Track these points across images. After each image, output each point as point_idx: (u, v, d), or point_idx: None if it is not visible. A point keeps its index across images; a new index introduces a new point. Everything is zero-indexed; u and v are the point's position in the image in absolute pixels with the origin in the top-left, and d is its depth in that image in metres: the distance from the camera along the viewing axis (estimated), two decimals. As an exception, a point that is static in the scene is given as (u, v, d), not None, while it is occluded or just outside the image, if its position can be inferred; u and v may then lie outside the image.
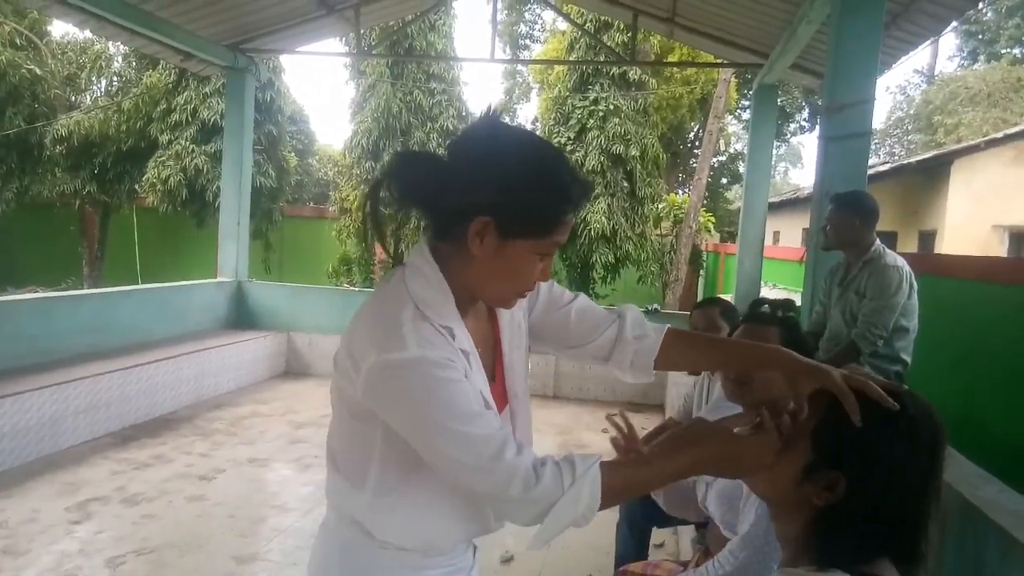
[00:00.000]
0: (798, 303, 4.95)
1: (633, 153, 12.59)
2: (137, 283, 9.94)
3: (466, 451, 1.12)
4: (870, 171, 13.12)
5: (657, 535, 3.81)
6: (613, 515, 3.04)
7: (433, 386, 1.12)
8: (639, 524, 3.04)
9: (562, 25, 16.32)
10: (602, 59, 12.32)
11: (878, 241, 3.68)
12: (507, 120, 1.26)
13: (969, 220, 11.45)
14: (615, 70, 12.69)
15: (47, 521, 3.87)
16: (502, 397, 1.39)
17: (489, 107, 1.23)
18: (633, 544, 3.05)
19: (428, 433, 1.13)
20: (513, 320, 1.42)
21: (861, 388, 1.08)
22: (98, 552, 3.56)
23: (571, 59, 13.10)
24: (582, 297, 1.49)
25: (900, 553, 1.03)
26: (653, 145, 13.11)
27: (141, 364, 5.85)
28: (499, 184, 1.15)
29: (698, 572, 1.82)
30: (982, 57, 26.54)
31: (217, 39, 7.61)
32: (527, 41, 26.50)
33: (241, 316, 8.07)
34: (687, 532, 3.65)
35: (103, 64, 14.26)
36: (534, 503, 1.12)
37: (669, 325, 1.48)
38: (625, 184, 12.78)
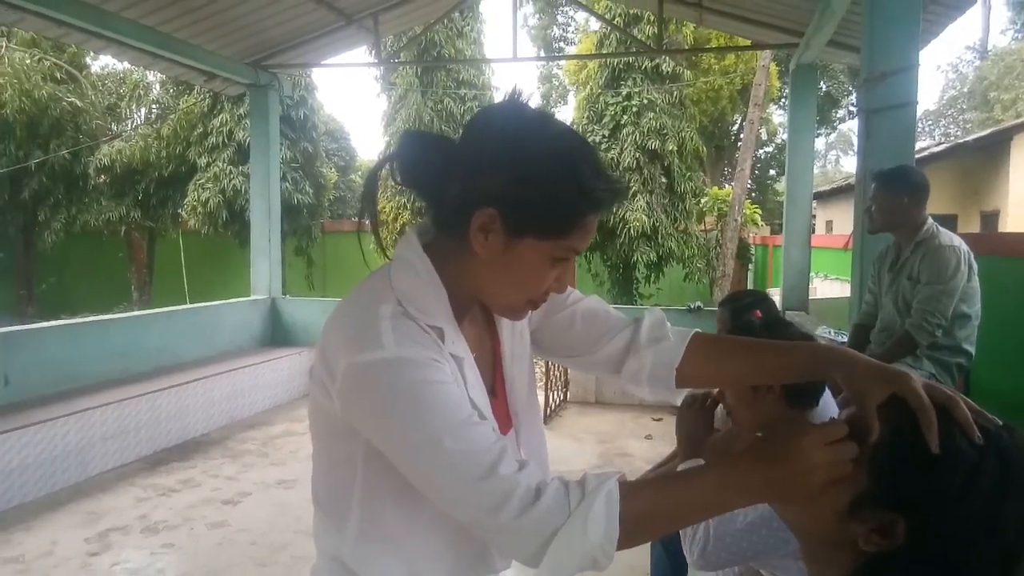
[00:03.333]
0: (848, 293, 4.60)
1: (670, 147, 12.25)
2: (186, 304, 10.01)
3: (452, 467, 0.92)
4: (925, 153, 12.66)
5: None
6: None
7: (413, 390, 0.94)
8: (674, 541, 2.77)
9: (595, 25, 16.05)
10: (630, 51, 12.02)
11: (931, 220, 3.32)
12: (533, 104, 1.05)
13: (1034, 197, 10.80)
14: (647, 63, 12.38)
15: (64, 554, 3.76)
16: (505, 416, 1.17)
17: (514, 88, 1.03)
18: (669, 564, 2.78)
19: (408, 446, 0.95)
20: (515, 328, 1.21)
21: (945, 404, 0.81)
22: (112, 586, 3.43)
23: (598, 53, 12.82)
24: (592, 298, 1.27)
25: None
26: (692, 138, 12.75)
27: (171, 387, 5.77)
28: (511, 171, 0.97)
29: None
30: (1038, 27, 25.37)
31: (238, 57, 7.57)
32: (561, 44, 26.25)
33: (276, 333, 7.99)
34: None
35: (142, 93, 14.50)
36: (532, 530, 0.89)
37: (697, 329, 1.21)
38: (663, 180, 12.44)
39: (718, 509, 0.93)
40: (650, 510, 0.92)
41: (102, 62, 15.20)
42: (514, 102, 1.04)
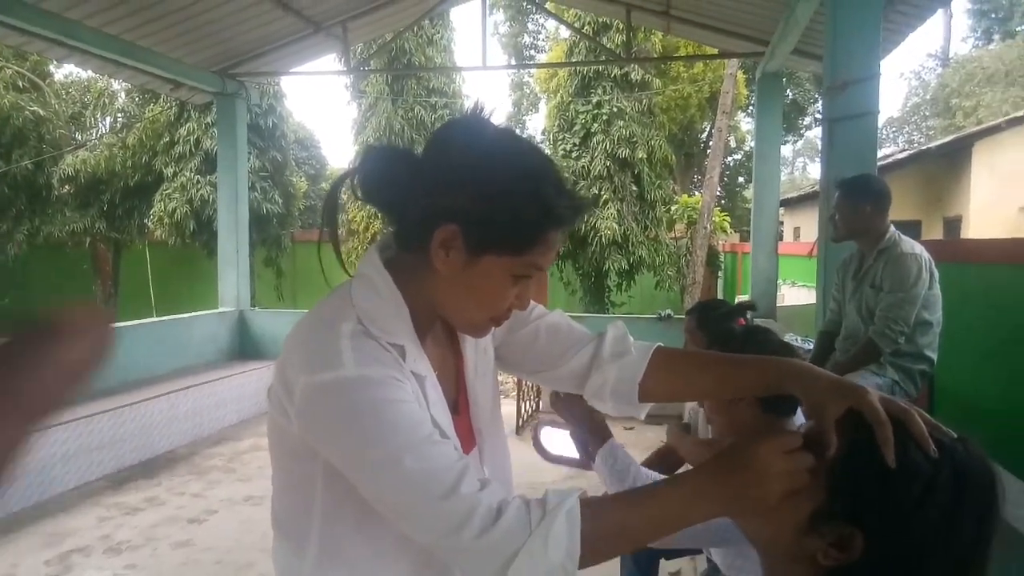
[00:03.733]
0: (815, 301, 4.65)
1: (640, 155, 12.33)
2: (153, 317, 9.85)
3: (413, 486, 0.91)
4: (889, 160, 12.85)
5: (674, 564, 3.53)
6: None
7: (373, 408, 0.93)
8: (644, 555, 2.76)
9: (565, 33, 16.13)
10: (600, 60, 12.09)
11: (893, 228, 3.37)
12: (495, 119, 1.05)
13: (995, 203, 11.04)
14: (616, 71, 12.46)
15: (23, 577, 3.67)
16: (468, 433, 1.15)
17: (476, 103, 1.02)
18: (639, 576, 2.77)
19: (368, 465, 0.93)
20: (478, 345, 1.20)
21: (901, 418, 0.81)
22: (72, 609, 3.35)
23: (567, 62, 12.88)
24: (555, 313, 1.26)
25: None
26: (661, 146, 12.84)
27: (136, 402, 5.66)
28: (472, 187, 0.97)
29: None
30: (996, 36, 26.02)
31: (205, 65, 7.48)
32: (531, 52, 26.37)
33: (244, 346, 7.89)
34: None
35: (107, 101, 14.28)
36: (493, 550, 0.88)
37: (659, 343, 1.21)
38: (634, 187, 12.52)
39: (680, 523, 0.92)
40: (612, 527, 0.91)
41: (66, 70, 14.98)
42: (477, 117, 1.03)
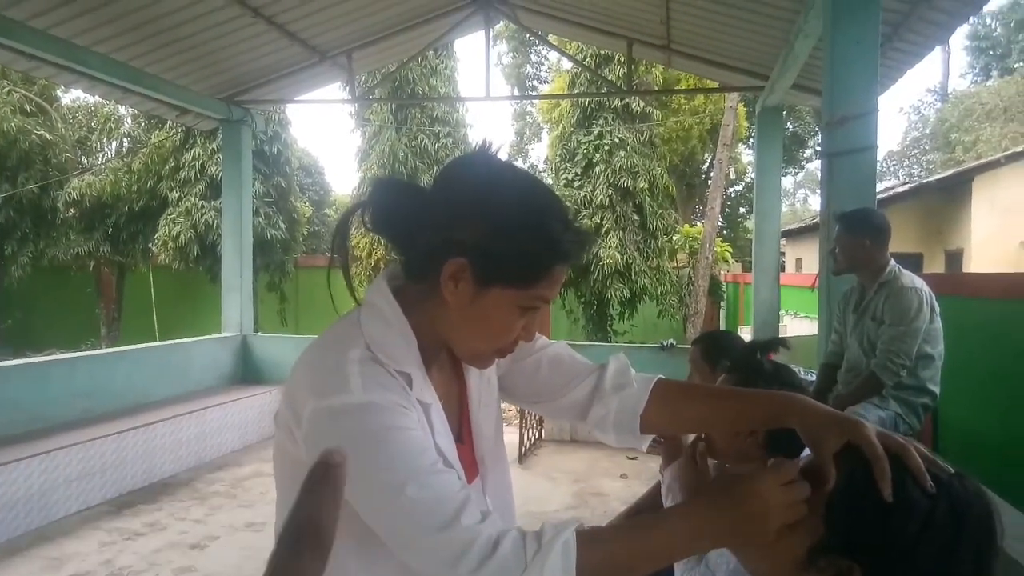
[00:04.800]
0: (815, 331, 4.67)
1: (642, 185, 12.42)
2: (155, 341, 9.86)
3: (414, 515, 0.91)
4: (889, 193, 12.91)
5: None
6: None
7: (378, 436, 0.94)
8: None
9: (567, 65, 16.32)
10: (601, 92, 12.22)
11: (893, 261, 3.40)
12: (503, 155, 1.08)
13: (995, 237, 11.10)
14: (617, 103, 12.60)
15: (22, 602, 3.65)
16: (471, 462, 1.17)
17: (485, 140, 1.05)
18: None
19: (371, 492, 0.94)
20: (483, 375, 1.21)
21: (899, 453, 0.82)
22: (71, 635, 3.33)
23: (569, 93, 13.03)
24: (558, 344, 1.28)
25: None
26: (662, 177, 12.94)
27: (138, 427, 5.65)
28: (481, 222, 0.99)
29: None
30: (995, 72, 26.27)
31: (211, 92, 7.57)
32: (534, 82, 26.65)
33: (247, 371, 7.89)
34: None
35: (113, 126, 14.41)
36: None
37: (660, 376, 1.23)
38: (636, 217, 12.59)
39: (677, 555, 0.94)
40: (608, 559, 0.91)
41: (73, 95, 15.13)
42: (485, 153, 1.05)
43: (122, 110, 14.52)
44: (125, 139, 14.86)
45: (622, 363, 1.24)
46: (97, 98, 13.29)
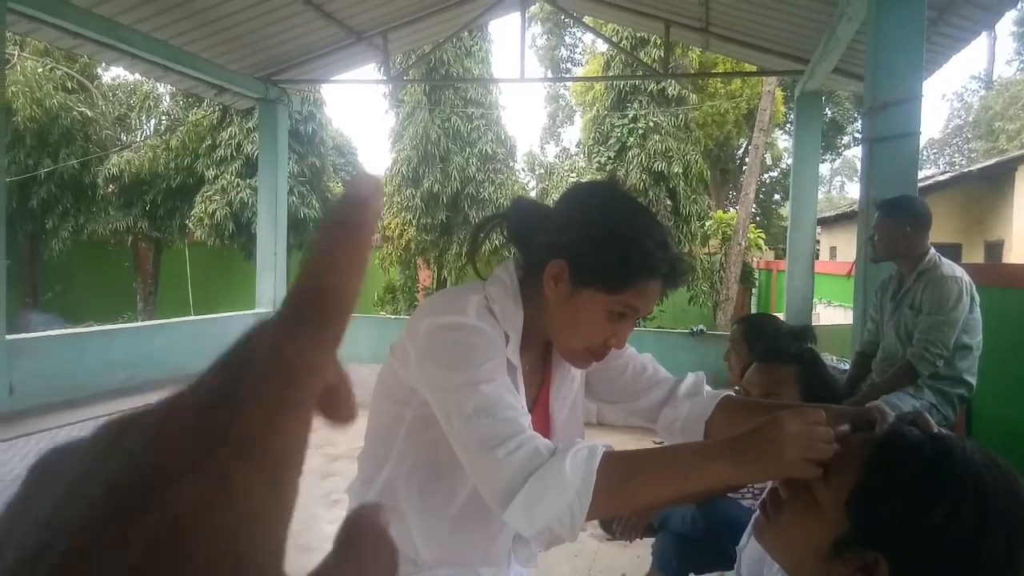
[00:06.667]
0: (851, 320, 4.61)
1: (676, 170, 12.31)
2: (190, 316, 10.07)
3: (479, 403, 1.05)
4: (930, 181, 12.67)
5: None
6: (649, 558, 2.78)
7: (475, 347, 1.10)
8: (674, 569, 2.76)
9: (602, 47, 16.18)
10: (636, 74, 12.11)
11: (933, 250, 3.34)
12: (622, 189, 1.28)
13: (1038, 228, 10.82)
14: (653, 86, 12.48)
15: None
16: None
17: (614, 175, 1.18)
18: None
19: (452, 384, 1.08)
20: (566, 376, 1.36)
21: (921, 422, 0.88)
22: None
23: (604, 76, 12.93)
24: (645, 355, 1.45)
25: None
26: (697, 161, 12.81)
27: (173, 399, 5.77)
28: (583, 230, 1.15)
29: None
30: (1044, 59, 25.52)
31: (248, 71, 7.64)
32: (568, 64, 26.46)
33: (279, 347, 7.99)
34: None
35: (151, 104, 14.63)
36: (518, 466, 0.99)
37: (730, 392, 1.39)
38: (668, 202, 12.50)
39: (694, 477, 0.96)
40: (628, 470, 1.00)
41: (113, 73, 15.36)
42: (609, 183, 1.27)
43: (160, 88, 14.74)
44: (163, 117, 15.08)
45: (699, 377, 1.40)
46: (137, 76, 13.52)
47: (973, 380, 3.28)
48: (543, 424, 1.30)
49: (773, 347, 1.81)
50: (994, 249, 11.73)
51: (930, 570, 0.77)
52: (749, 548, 1.69)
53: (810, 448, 0.86)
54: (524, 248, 1.25)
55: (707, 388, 1.38)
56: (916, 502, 0.78)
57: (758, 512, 0.95)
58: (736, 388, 1.78)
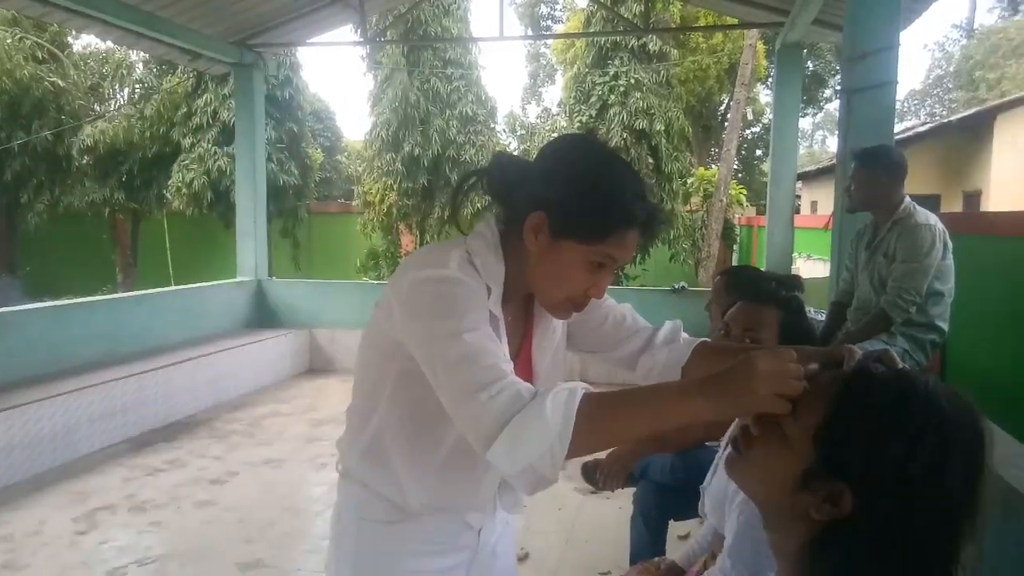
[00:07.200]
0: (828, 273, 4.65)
1: (658, 128, 12.24)
2: (171, 286, 10.00)
3: (463, 351, 1.08)
4: (908, 132, 12.68)
5: (683, 526, 3.58)
6: (631, 508, 2.84)
7: (457, 298, 1.13)
8: (654, 517, 2.82)
9: (582, 2, 15.98)
10: (617, 30, 11.96)
11: (908, 199, 3.37)
12: (600, 141, 1.33)
13: (1016, 177, 10.89)
14: (634, 42, 12.34)
15: (52, 533, 3.79)
16: None
17: (592, 131, 1.19)
18: (649, 538, 2.83)
19: (437, 334, 1.11)
20: (547, 327, 1.39)
21: (887, 359, 0.89)
22: (99, 564, 3.46)
23: (584, 32, 12.77)
24: (624, 305, 1.47)
25: None
26: (678, 118, 12.73)
27: (157, 368, 5.77)
28: (562, 183, 1.18)
29: None
30: (1023, 7, 25.42)
31: (223, 36, 7.49)
32: (548, 22, 26.12)
33: (263, 315, 7.98)
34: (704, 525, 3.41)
35: (124, 72, 14.34)
36: (500, 409, 1.01)
37: (706, 339, 1.43)
38: (650, 160, 12.43)
39: (671, 412, 1.00)
40: (608, 407, 1.02)
41: (84, 41, 14.99)
42: (587, 136, 1.35)
43: (133, 56, 14.43)
44: (137, 85, 14.80)
45: (676, 325, 1.43)
46: (108, 44, 13.21)
47: (945, 326, 3.34)
48: (526, 374, 1.31)
49: (763, 289, 1.85)
50: (972, 199, 11.81)
51: (892, 500, 0.79)
52: (712, 487, 1.74)
53: (781, 384, 0.89)
54: (504, 202, 1.28)
55: (684, 335, 1.41)
56: (880, 436, 0.80)
57: (729, 448, 0.98)
58: (720, 328, 1.81)
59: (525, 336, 1.37)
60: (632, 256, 1.23)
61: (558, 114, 18.55)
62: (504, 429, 0.99)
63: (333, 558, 1.40)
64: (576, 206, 1.16)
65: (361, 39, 8.57)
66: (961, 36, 27.56)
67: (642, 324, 1.44)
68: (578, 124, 12.62)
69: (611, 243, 1.17)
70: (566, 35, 15.38)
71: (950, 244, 3.30)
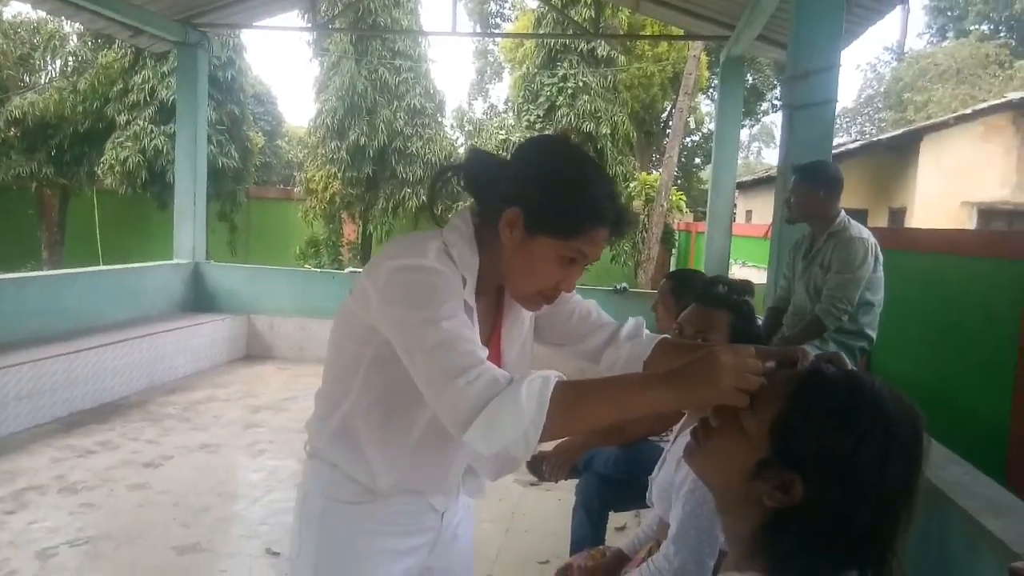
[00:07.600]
0: (765, 280, 4.85)
1: (604, 131, 12.45)
2: (99, 266, 9.67)
3: (441, 337, 1.12)
4: (840, 149, 13.18)
5: (619, 518, 3.69)
6: (571, 500, 2.92)
7: (435, 287, 1.17)
8: (596, 508, 2.91)
9: (532, 3, 16.08)
10: (567, 33, 12.11)
11: (843, 213, 3.55)
12: (574, 144, 1.35)
13: (939, 197, 11.45)
14: (583, 46, 12.53)
15: (-23, 514, 3.67)
16: None
17: (566, 133, 1.24)
18: (590, 529, 2.92)
19: (414, 322, 1.15)
20: (516, 318, 1.44)
21: (837, 361, 0.97)
22: (29, 544, 3.36)
23: (535, 33, 12.88)
24: (590, 301, 1.53)
25: (864, 565, 0.88)
26: (623, 123, 12.98)
27: (88, 348, 5.60)
28: (537, 181, 1.23)
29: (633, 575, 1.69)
30: (951, 34, 26.67)
31: (167, 13, 7.30)
32: (497, 20, 26.12)
33: (199, 298, 7.82)
34: (650, 515, 3.53)
35: (57, 44, 13.80)
36: (475, 393, 1.06)
37: (667, 335, 1.50)
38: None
39: (639, 400, 1.07)
40: (579, 393, 1.07)
41: (14, 8, 14.35)
42: (562, 138, 1.36)
43: (67, 27, 13.88)
44: (70, 58, 14.23)
45: (639, 322, 1.50)
46: (41, 14, 12.69)
47: (874, 334, 3.54)
48: (494, 362, 1.34)
49: (716, 293, 1.93)
50: (897, 215, 12.36)
51: (839, 489, 0.87)
52: (659, 478, 1.83)
53: (741, 379, 0.96)
54: (480, 196, 1.32)
55: (646, 332, 1.48)
56: (830, 430, 0.88)
57: (689, 439, 1.05)
58: (674, 327, 1.90)
59: (495, 326, 1.42)
60: (601, 253, 1.29)
61: (505, 112, 18.61)
62: (481, 413, 1.03)
63: (298, 537, 1.43)
64: (550, 203, 1.21)
65: (309, 25, 8.46)
66: (892, 59, 28.74)
67: (606, 319, 1.51)
68: (526, 123, 12.73)
69: (583, 239, 1.23)
70: (517, 35, 15.45)
71: (881, 257, 3.49)
